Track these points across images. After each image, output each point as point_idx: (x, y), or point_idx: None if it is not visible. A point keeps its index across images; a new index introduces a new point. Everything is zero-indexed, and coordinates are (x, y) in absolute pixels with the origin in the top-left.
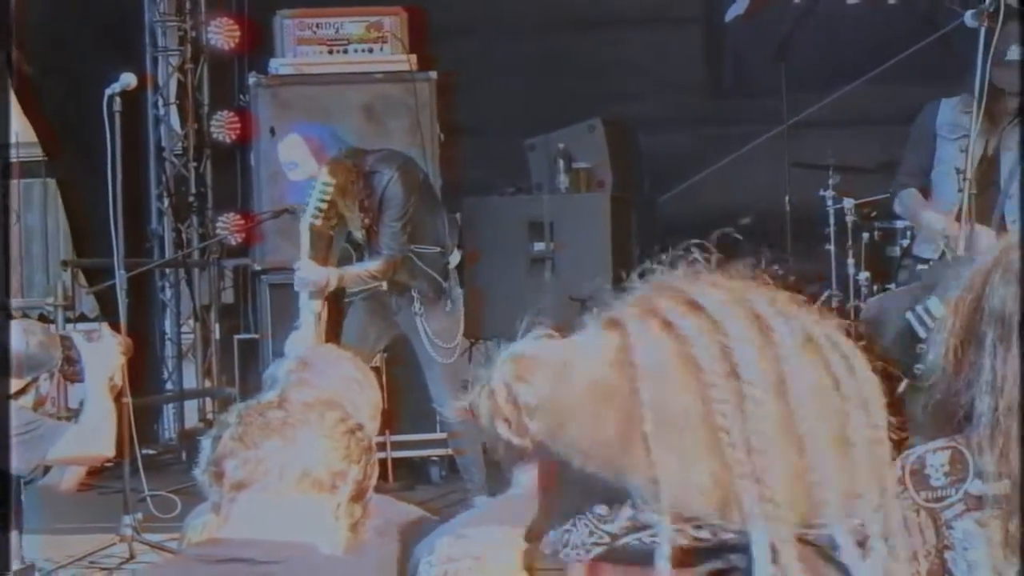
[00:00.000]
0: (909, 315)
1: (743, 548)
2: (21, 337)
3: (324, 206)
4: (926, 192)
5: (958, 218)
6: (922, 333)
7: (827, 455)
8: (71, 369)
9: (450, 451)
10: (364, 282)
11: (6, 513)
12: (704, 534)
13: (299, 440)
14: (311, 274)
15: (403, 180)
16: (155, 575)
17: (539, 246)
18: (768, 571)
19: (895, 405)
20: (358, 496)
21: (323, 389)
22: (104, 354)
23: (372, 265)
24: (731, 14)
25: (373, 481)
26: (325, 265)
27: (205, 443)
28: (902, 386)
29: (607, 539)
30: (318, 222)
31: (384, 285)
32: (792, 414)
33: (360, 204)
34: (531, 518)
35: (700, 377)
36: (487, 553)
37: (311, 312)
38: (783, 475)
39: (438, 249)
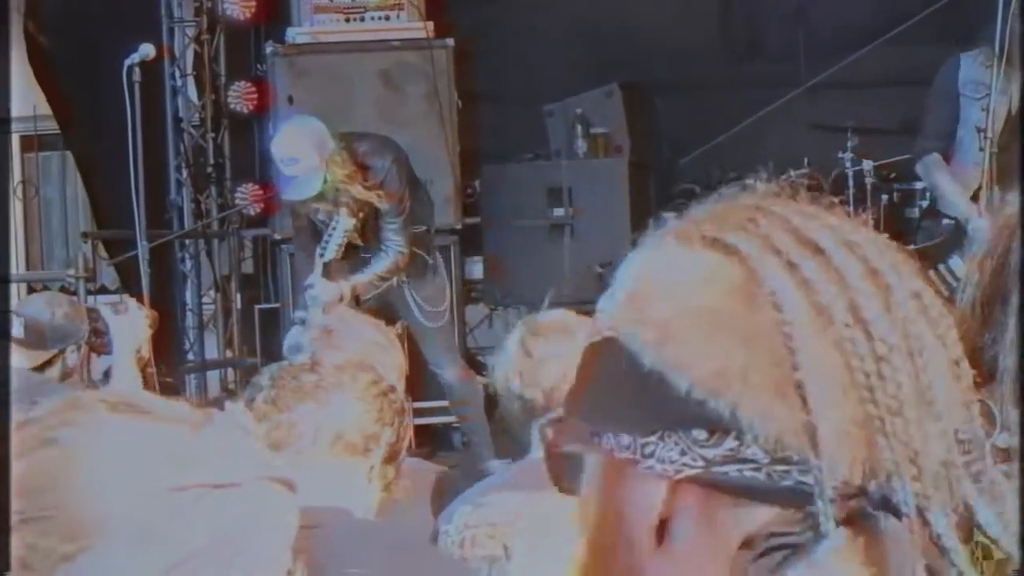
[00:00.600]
0: (931, 273)
1: (854, 496)
2: (46, 309)
3: (343, 247)
4: (949, 156)
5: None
6: (945, 292)
7: (955, 419)
8: (99, 341)
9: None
10: (376, 286)
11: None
12: (807, 479)
13: (332, 403)
14: (325, 293)
15: (399, 173)
16: None
17: (558, 212)
18: (912, 524)
19: None
20: (391, 458)
21: (354, 352)
22: (131, 326)
23: (381, 267)
24: None
25: (406, 443)
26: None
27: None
28: None
29: (701, 463)
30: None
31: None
32: (922, 381)
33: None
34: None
35: (836, 329)
36: (504, 520)
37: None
38: (919, 438)
39: (424, 228)
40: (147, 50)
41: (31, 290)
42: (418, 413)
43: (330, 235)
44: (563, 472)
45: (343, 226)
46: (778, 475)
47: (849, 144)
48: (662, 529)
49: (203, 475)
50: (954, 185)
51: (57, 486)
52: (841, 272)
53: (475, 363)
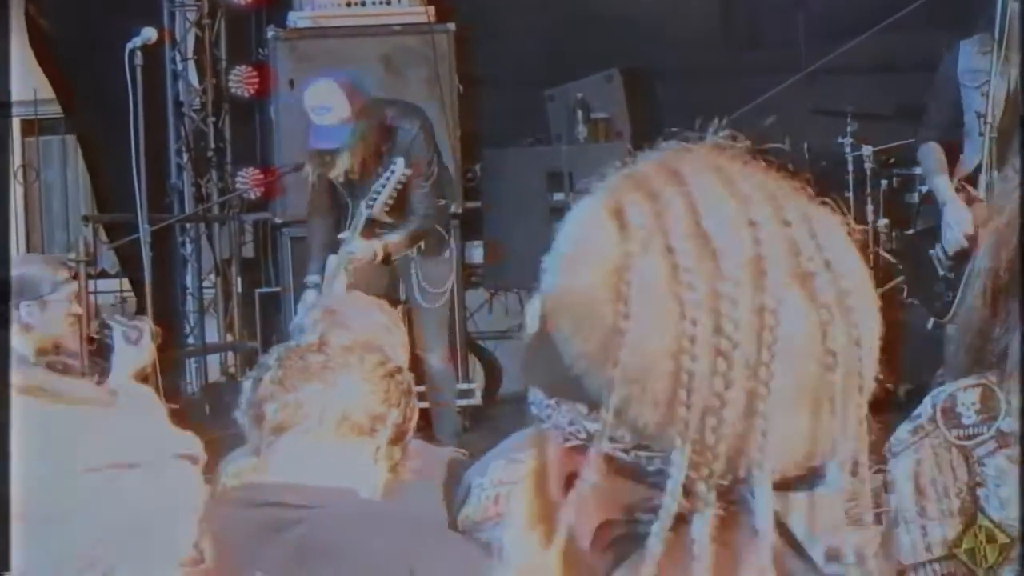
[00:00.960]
0: (932, 253)
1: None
2: (18, 266)
3: (391, 201)
4: (951, 146)
5: (974, 175)
6: (941, 271)
7: (789, 401)
8: (101, 363)
9: (472, 401)
10: (407, 248)
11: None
12: (630, 458)
13: (339, 383)
14: (362, 250)
15: (427, 138)
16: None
17: (558, 196)
18: (665, 530)
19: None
20: (397, 439)
21: (361, 332)
22: (138, 354)
23: (411, 229)
24: None
25: (413, 424)
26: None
27: (245, 385)
28: (930, 323)
29: (584, 435)
30: (384, 215)
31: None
32: (762, 373)
33: (378, 156)
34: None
35: (681, 325)
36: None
37: (340, 280)
38: (730, 439)
39: (443, 201)
40: (149, 34)
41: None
42: (419, 397)
43: (383, 184)
44: None
45: (400, 171)
46: (645, 459)
47: (849, 129)
48: (571, 480)
49: (114, 455)
50: (941, 176)
51: None
52: (717, 257)
53: (476, 347)
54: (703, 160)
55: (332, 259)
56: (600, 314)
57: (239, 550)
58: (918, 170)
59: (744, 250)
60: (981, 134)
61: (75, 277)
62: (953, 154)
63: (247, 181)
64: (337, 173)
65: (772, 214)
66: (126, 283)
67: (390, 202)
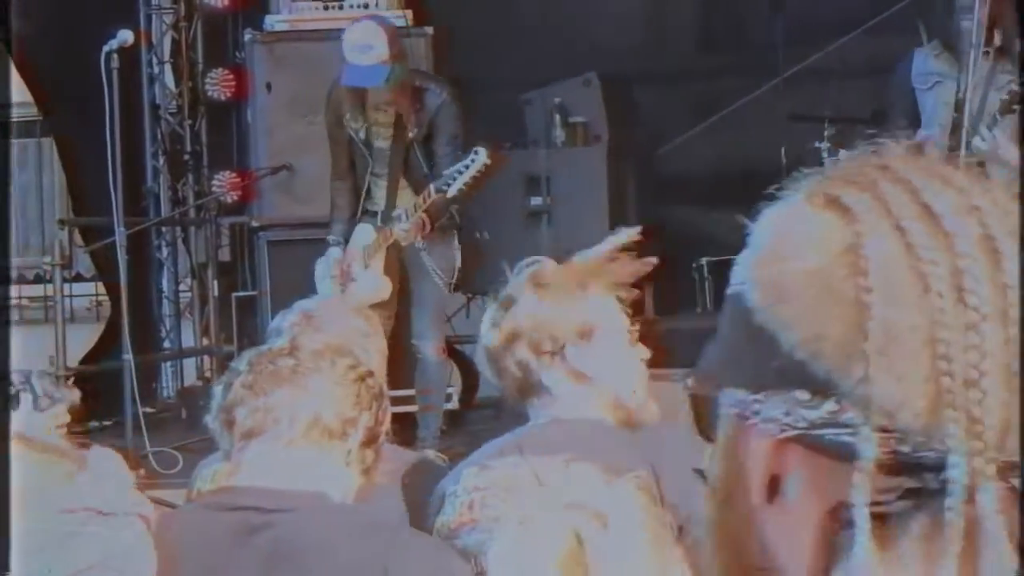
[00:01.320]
0: None
1: (940, 470)
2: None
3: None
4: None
5: None
6: None
7: None
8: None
9: (449, 405)
10: (445, 211)
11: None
12: (905, 448)
13: (310, 388)
14: (412, 229)
15: (456, 102)
16: (167, 523)
17: (536, 200)
18: (960, 504)
19: None
20: (369, 442)
21: (334, 336)
22: (38, 421)
23: (453, 189)
24: None
25: (385, 427)
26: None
27: (216, 390)
28: None
29: (804, 424)
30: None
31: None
32: (1011, 349)
33: (408, 117)
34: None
35: (929, 297)
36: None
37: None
38: (996, 411)
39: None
40: (125, 36)
41: (5, 277)
42: (394, 402)
43: (462, 170)
44: (704, 421)
45: (482, 160)
46: (877, 442)
47: (826, 134)
48: (775, 484)
49: (87, 503)
50: None
51: None
52: (951, 237)
53: (454, 351)
54: (902, 158)
55: (366, 230)
56: (838, 290)
57: (211, 554)
58: None
59: (974, 230)
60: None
61: (50, 281)
62: None
63: (224, 184)
64: (359, 126)
65: (991, 202)
66: (102, 287)
67: (466, 189)
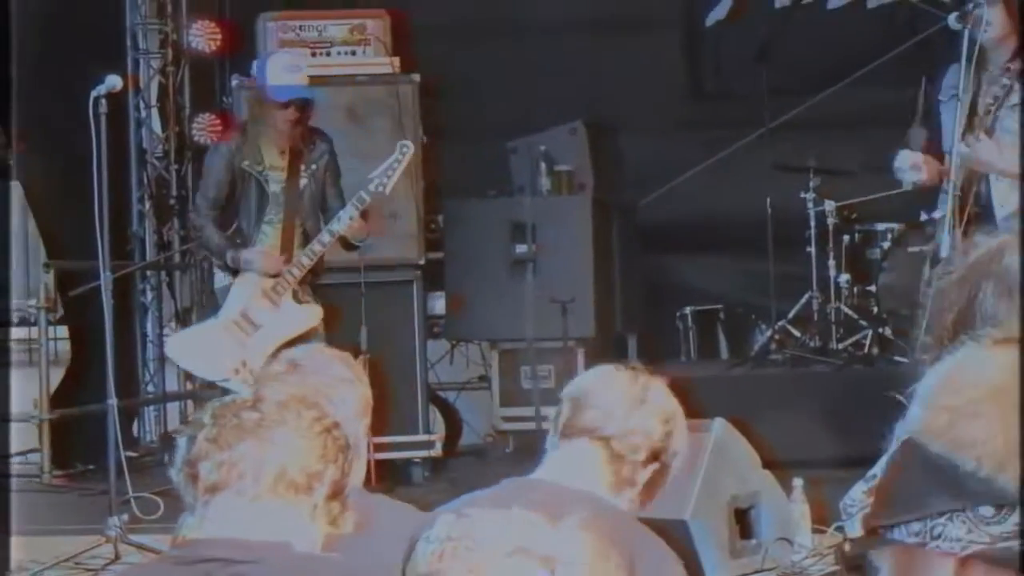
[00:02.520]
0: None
1: None
2: None
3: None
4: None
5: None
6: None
7: None
8: None
9: (432, 452)
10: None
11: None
12: None
13: (275, 441)
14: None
15: (336, 161)
16: None
17: (521, 248)
18: None
19: None
20: (335, 495)
21: (300, 386)
22: None
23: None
24: (712, 18)
25: (353, 479)
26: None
27: (180, 442)
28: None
29: (987, 539)
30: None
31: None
32: None
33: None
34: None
35: None
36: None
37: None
38: None
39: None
40: (114, 81)
41: (5, 320)
42: (378, 448)
43: (394, 167)
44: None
45: (410, 153)
46: None
47: (811, 184)
48: None
49: None
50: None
51: None
52: None
53: (437, 398)
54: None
55: (250, 279)
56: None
57: None
58: (880, 226)
59: None
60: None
61: (35, 324)
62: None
63: None
64: (260, 168)
65: None
66: None
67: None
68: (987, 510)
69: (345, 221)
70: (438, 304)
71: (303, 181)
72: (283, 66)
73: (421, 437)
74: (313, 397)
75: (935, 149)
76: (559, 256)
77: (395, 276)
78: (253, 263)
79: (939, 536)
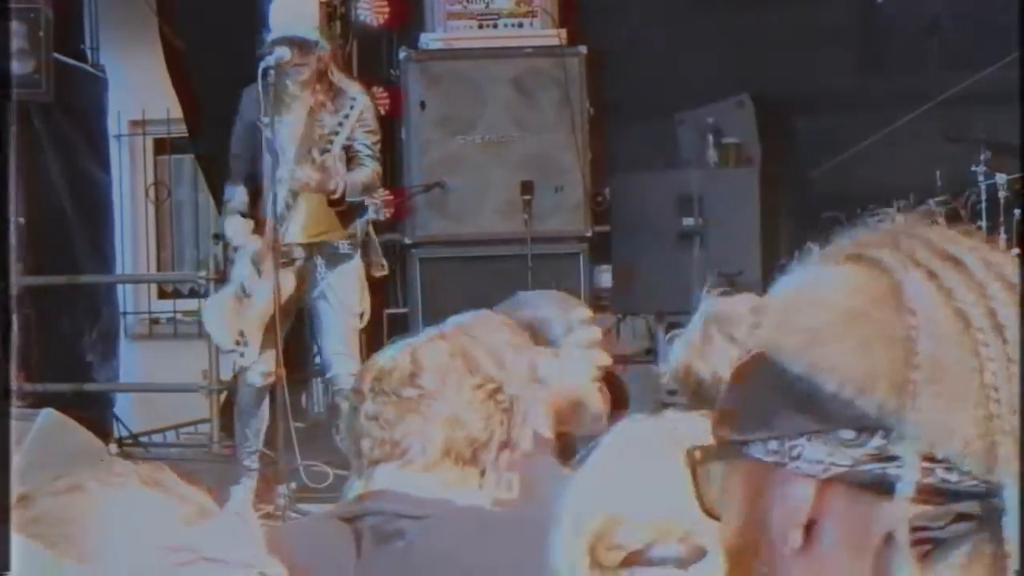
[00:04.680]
0: None
1: (983, 496)
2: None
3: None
4: None
5: None
6: None
7: None
8: None
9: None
10: (360, 193)
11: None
12: (952, 476)
13: (436, 415)
14: (310, 177)
15: (375, 112)
16: (286, 532)
17: (688, 221)
18: (1017, 523)
19: None
20: (501, 459)
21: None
22: None
23: (368, 172)
24: None
25: (521, 442)
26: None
27: (343, 414)
28: None
29: (847, 462)
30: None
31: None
32: None
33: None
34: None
35: (971, 333)
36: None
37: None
38: None
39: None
40: (282, 52)
41: (162, 292)
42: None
43: (343, 121)
44: (706, 495)
45: (362, 104)
46: (923, 472)
47: (982, 157)
48: (807, 530)
49: (202, 551)
50: None
51: (75, 521)
52: (981, 282)
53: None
54: (912, 223)
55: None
56: (885, 329)
57: (339, 565)
58: None
59: (995, 277)
60: None
61: (206, 295)
62: None
63: (378, 201)
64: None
65: (1001, 255)
66: None
67: (348, 138)
68: (847, 433)
69: (286, 179)
70: (604, 277)
71: (319, 137)
72: (284, 7)
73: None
74: (476, 360)
75: None
76: (726, 229)
77: (561, 248)
78: (225, 235)
79: (798, 457)
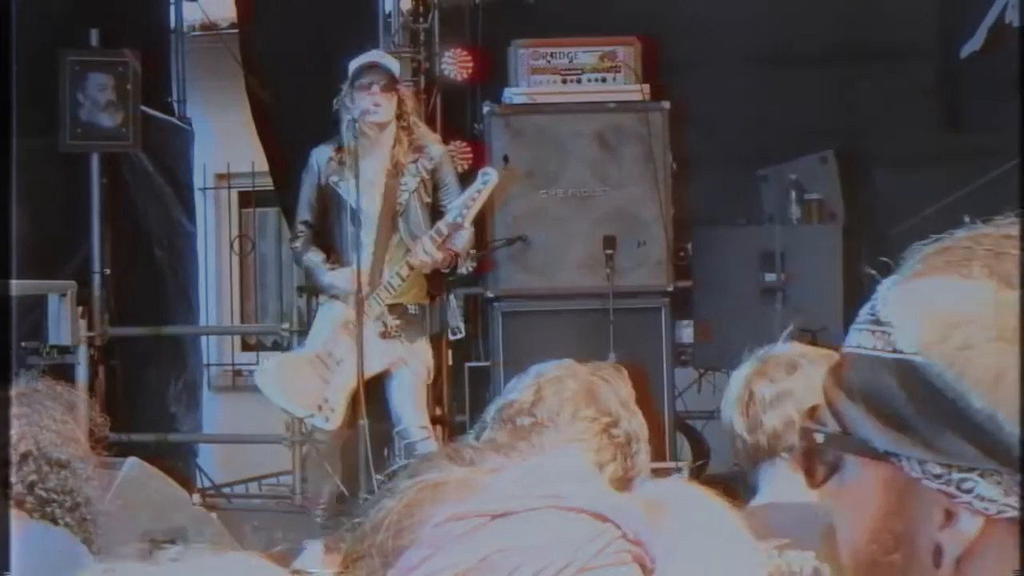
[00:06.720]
0: None
1: None
2: None
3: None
4: None
5: None
6: None
7: None
8: None
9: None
10: (465, 259)
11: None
12: None
13: (545, 443)
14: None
15: (452, 164)
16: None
17: (770, 276)
18: None
19: None
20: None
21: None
22: None
23: (468, 237)
24: (967, 50)
25: (636, 473)
26: None
27: (468, 438)
28: None
29: (1018, 504)
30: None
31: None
32: None
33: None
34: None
35: None
36: None
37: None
38: None
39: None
40: (366, 104)
41: (245, 344)
42: None
43: (474, 196)
44: (817, 471)
45: (494, 180)
46: None
47: None
48: (939, 551)
49: None
50: None
51: None
52: None
53: (685, 427)
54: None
55: (334, 307)
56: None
57: None
58: None
59: None
60: None
61: (287, 348)
62: None
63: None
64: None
65: None
66: None
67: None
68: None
69: (420, 254)
70: (686, 332)
71: (403, 198)
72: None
73: (669, 464)
74: (598, 396)
75: None
76: (809, 285)
77: (643, 303)
78: (335, 286)
79: (969, 491)
